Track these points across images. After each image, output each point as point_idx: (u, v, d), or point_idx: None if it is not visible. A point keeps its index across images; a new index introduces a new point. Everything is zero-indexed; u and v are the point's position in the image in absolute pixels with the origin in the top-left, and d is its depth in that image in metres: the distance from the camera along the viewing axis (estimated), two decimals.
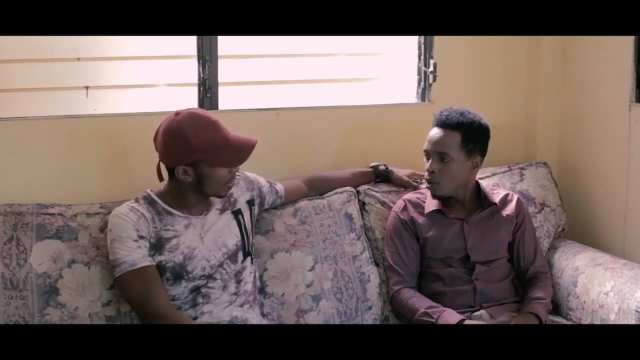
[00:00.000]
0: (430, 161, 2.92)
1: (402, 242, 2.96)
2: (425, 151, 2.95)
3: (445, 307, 2.83)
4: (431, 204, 2.97)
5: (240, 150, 2.66)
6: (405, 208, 3.00)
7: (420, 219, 2.96)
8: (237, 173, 2.80)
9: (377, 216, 3.10)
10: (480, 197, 3.01)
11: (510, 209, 3.01)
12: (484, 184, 3.07)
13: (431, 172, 2.91)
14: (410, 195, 3.04)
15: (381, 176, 3.19)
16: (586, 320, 2.92)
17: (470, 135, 2.91)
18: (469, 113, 2.94)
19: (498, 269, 2.96)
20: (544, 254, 3.16)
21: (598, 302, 2.90)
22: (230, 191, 2.77)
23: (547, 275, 3.03)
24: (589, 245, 3.21)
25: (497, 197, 3.02)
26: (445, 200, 2.96)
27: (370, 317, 2.98)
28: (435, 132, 2.93)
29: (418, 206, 2.99)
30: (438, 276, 2.93)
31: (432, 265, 2.94)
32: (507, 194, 3.06)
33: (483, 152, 2.98)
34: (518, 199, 3.06)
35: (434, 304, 2.85)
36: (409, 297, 2.89)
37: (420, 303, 2.86)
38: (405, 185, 3.17)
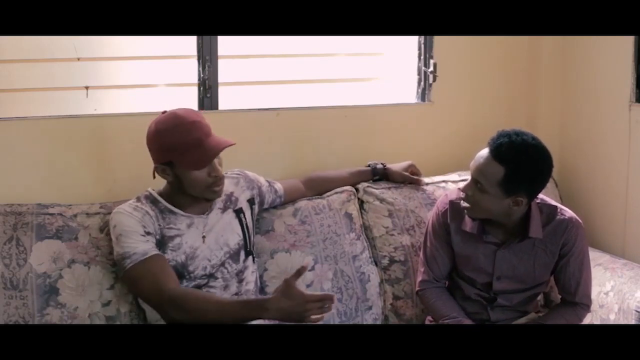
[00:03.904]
0: (468, 181, 2.69)
1: (438, 242, 2.84)
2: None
3: (463, 319, 2.78)
4: (469, 222, 2.75)
5: (208, 153, 2.57)
6: (446, 212, 2.81)
7: (455, 231, 2.79)
8: (236, 172, 2.81)
9: (376, 214, 3.10)
10: (527, 224, 2.71)
11: (556, 239, 2.74)
12: (536, 211, 2.72)
13: (465, 192, 2.69)
14: (456, 196, 2.79)
15: (379, 174, 3.19)
16: (586, 320, 2.92)
17: (517, 175, 2.60)
18: (529, 149, 2.60)
19: (522, 297, 2.82)
20: None
21: (598, 302, 2.90)
22: (231, 190, 2.77)
23: (584, 308, 2.82)
24: (588, 245, 3.20)
25: (548, 227, 2.73)
26: (484, 219, 2.74)
27: (370, 317, 2.98)
28: (482, 154, 2.64)
29: (458, 214, 2.78)
30: (459, 287, 2.86)
31: (459, 275, 2.86)
32: (564, 221, 2.75)
33: (530, 193, 2.66)
34: (572, 228, 2.75)
35: (454, 313, 2.79)
36: (434, 300, 2.85)
37: (442, 310, 2.81)
38: (405, 181, 3.17)
